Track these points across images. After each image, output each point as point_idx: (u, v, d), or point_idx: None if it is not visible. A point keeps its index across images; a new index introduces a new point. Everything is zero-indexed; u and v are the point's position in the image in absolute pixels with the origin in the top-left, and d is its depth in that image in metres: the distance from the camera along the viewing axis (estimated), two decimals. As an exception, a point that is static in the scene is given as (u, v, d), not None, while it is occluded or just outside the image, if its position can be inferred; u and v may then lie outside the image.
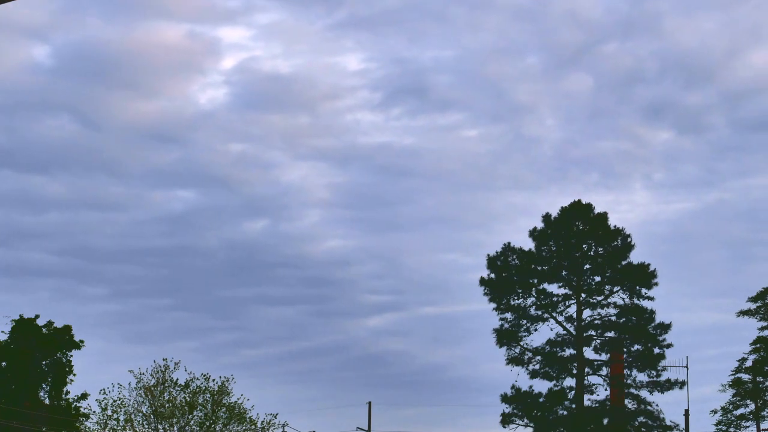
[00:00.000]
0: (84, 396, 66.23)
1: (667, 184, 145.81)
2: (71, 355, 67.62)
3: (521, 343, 61.52)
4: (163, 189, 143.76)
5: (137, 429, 55.98)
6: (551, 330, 61.41)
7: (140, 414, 56.15)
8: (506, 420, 60.50)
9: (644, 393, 59.94)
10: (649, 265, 61.13)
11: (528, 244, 62.74)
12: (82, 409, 65.20)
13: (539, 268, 62.10)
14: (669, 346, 60.39)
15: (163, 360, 56.81)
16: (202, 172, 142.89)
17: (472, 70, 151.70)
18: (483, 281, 62.17)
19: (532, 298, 61.93)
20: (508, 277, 62.02)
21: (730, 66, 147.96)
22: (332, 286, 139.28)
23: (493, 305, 61.97)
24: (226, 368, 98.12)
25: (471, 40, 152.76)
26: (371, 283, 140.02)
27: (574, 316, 61.32)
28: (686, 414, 63.54)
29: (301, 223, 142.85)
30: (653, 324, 60.32)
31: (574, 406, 60.10)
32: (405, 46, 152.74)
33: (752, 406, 64.93)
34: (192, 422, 56.28)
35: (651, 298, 60.82)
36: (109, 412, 56.14)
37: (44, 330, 67.39)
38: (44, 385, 66.78)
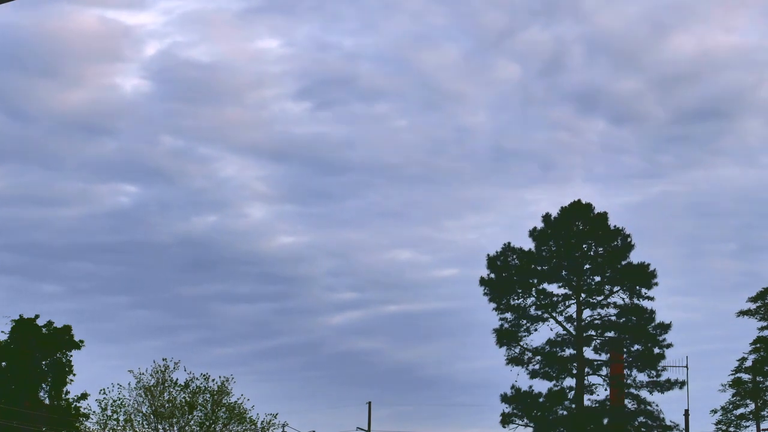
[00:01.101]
0: (84, 396, 66.20)
1: (608, 177, 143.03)
2: (71, 355, 67.60)
3: (521, 343, 61.53)
4: (104, 183, 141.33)
5: (137, 429, 55.99)
6: (551, 330, 61.46)
7: (140, 414, 56.16)
8: (506, 420, 60.49)
9: (644, 393, 59.99)
10: (649, 265, 61.16)
11: (528, 244, 62.81)
12: (82, 409, 65.20)
13: (539, 268, 62.09)
14: (669, 346, 60.43)
15: (163, 360, 56.89)
16: (139, 165, 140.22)
17: (395, 56, 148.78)
18: (483, 281, 62.13)
19: (532, 298, 61.92)
20: (508, 277, 62.00)
21: (657, 50, 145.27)
22: (290, 283, 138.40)
23: (493, 305, 62.00)
24: (198, 368, 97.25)
25: (389, 25, 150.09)
26: (328, 281, 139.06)
27: (574, 316, 61.31)
28: (686, 414, 63.54)
29: (247, 219, 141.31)
30: (653, 324, 60.32)
31: (574, 406, 60.09)
32: (323, 31, 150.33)
33: (752, 406, 64.95)
34: (192, 422, 56.28)
35: (651, 298, 60.85)
36: (109, 412, 56.20)
37: (44, 330, 67.35)
38: (44, 385, 66.72)
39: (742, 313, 65.83)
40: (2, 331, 67.12)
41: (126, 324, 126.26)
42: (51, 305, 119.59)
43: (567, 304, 61.55)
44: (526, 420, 60.47)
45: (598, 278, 61.68)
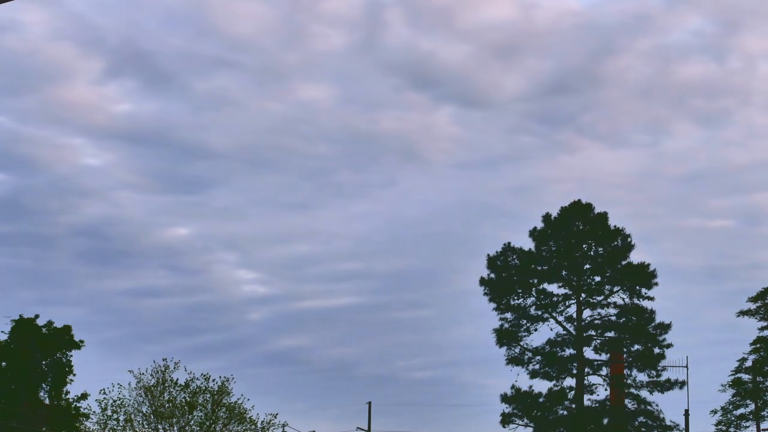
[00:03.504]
0: (84, 396, 66.19)
1: (474, 162, 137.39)
2: (71, 355, 67.61)
3: (521, 343, 61.55)
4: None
5: (137, 429, 55.96)
6: (551, 330, 61.54)
7: (140, 414, 56.15)
8: (506, 420, 60.51)
9: (644, 393, 60.02)
10: (649, 264, 61.18)
11: (528, 244, 62.82)
12: (82, 409, 65.20)
13: (539, 268, 62.10)
14: (669, 346, 60.45)
15: (163, 360, 56.87)
16: None
17: (203, 22, 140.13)
18: (483, 281, 62.15)
19: (532, 298, 61.94)
20: (508, 277, 62.02)
21: (478, 16, 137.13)
22: (195, 276, 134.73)
23: (493, 305, 62.00)
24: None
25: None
26: (234, 275, 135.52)
27: (574, 316, 61.33)
28: (686, 414, 63.51)
29: (128, 209, 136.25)
30: (653, 324, 60.34)
31: (574, 406, 60.11)
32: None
33: (752, 406, 64.90)
34: (192, 422, 56.27)
35: (651, 298, 60.87)
36: (109, 412, 56.16)
37: (44, 330, 67.36)
38: (44, 385, 66.72)
39: (742, 313, 65.78)
40: (2, 331, 67.18)
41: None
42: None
43: (567, 304, 61.59)
44: (526, 420, 60.48)
45: (598, 278, 61.71)
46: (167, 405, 56.02)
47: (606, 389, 60.48)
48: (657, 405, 59.92)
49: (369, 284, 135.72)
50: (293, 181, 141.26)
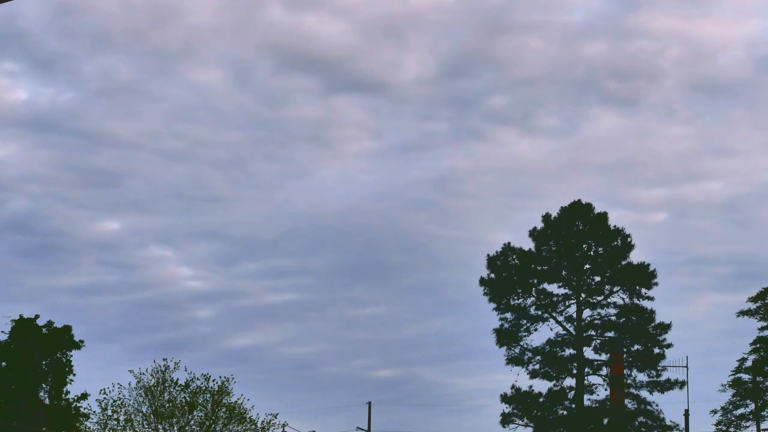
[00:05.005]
0: (84, 396, 66.19)
1: (386, 151, 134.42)
2: (71, 355, 67.62)
3: (521, 343, 61.58)
4: None
5: (137, 429, 55.96)
6: (551, 330, 61.59)
7: (140, 414, 56.15)
8: (506, 420, 60.54)
9: (644, 393, 60.06)
10: (649, 264, 61.21)
11: (528, 244, 62.83)
12: (82, 409, 65.20)
13: (539, 268, 62.12)
14: (669, 346, 60.50)
15: (163, 360, 56.89)
16: None
17: (75, 1, 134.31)
18: (483, 281, 62.16)
19: (532, 298, 61.97)
20: (508, 277, 62.04)
21: None
22: (135, 273, 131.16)
23: (493, 305, 62.02)
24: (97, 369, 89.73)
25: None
26: (171, 271, 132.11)
27: (574, 316, 61.36)
28: (686, 414, 63.52)
29: (51, 203, 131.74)
30: (653, 324, 60.37)
31: (574, 406, 60.13)
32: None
33: (752, 406, 64.88)
34: (192, 422, 56.27)
35: (651, 298, 60.93)
36: (109, 412, 56.17)
37: (44, 330, 67.37)
38: (44, 385, 66.73)
39: (742, 313, 65.74)
40: (2, 331, 67.18)
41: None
42: None
43: (567, 304, 61.61)
44: (526, 420, 60.51)
45: (598, 278, 61.74)
46: (167, 405, 56.02)
47: (606, 389, 60.55)
48: (657, 405, 60.09)
49: (305, 280, 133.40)
50: (204, 172, 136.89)
